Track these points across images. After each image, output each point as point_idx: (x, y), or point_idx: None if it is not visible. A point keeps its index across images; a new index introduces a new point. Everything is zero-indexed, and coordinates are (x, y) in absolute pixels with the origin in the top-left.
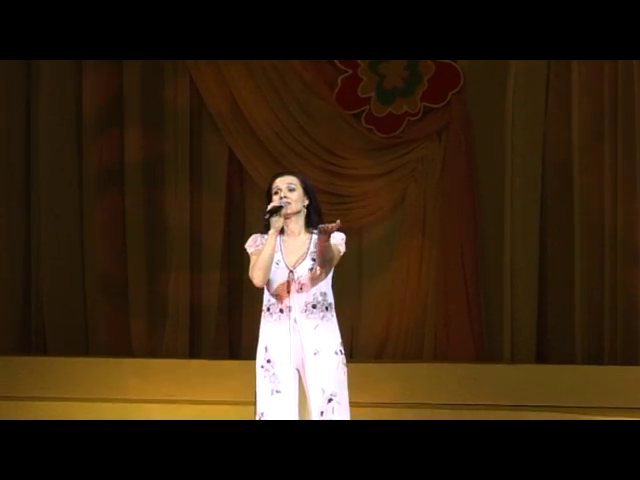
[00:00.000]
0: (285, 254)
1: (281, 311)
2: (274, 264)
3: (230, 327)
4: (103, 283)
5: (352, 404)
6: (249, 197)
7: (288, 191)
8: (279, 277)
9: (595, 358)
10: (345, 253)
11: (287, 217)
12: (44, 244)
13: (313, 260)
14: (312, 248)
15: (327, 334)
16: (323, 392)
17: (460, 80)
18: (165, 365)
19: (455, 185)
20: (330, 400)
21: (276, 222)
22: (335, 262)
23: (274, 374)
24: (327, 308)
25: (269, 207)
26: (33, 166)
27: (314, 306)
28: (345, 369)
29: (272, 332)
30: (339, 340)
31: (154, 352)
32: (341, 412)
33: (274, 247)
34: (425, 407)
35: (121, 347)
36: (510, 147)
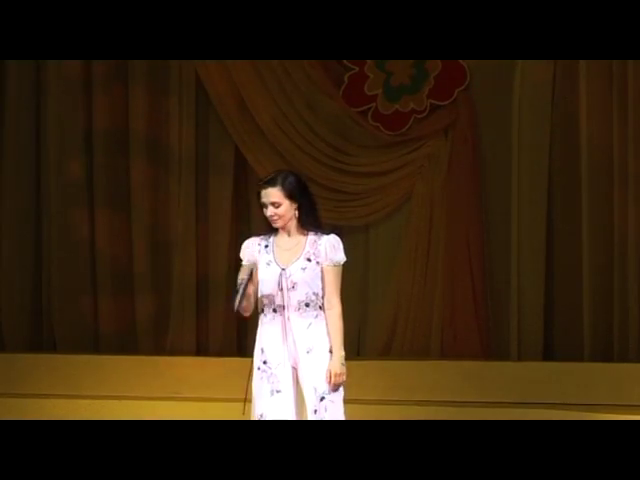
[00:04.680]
0: (277, 254)
1: (274, 311)
2: (265, 265)
3: (237, 324)
4: (112, 281)
5: (358, 401)
6: (256, 195)
7: (274, 208)
8: (270, 277)
9: (604, 355)
10: (351, 251)
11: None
12: (54, 242)
13: (308, 260)
14: (307, 248)
15: (320, 332)
16: (315, 390)
17: (466, 77)
18: (172, 362)
19: (462, 182)
20: (323, 398)
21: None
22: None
23: (272, 374)
24: (321, 307)
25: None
26: (43, 165)
27: (307, 304)
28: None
29: (267, 333)
30: None
31: (162, 350)
32: (334, 411)
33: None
34: (431, 405)
35: (129, 344)
36: (517, 144)
